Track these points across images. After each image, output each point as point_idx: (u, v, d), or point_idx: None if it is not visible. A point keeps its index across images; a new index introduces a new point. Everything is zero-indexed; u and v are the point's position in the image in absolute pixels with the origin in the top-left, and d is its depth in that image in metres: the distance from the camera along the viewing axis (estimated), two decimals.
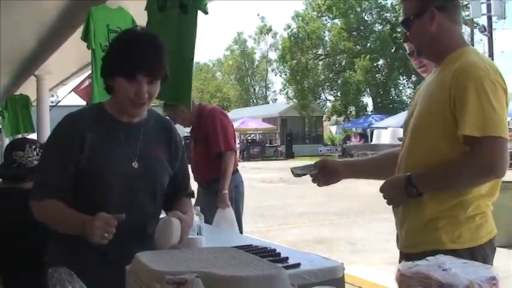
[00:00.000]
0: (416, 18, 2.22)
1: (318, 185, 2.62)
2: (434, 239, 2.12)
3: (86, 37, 4.50)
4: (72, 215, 2.03)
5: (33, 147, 3.11)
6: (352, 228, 9.78)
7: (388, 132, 27.07)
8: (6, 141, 12.50)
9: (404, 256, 2.25)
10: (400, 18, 2.38)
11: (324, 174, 2.59)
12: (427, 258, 1.54)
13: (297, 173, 2.56)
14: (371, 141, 33.06)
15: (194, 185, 4.81)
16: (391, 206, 2.32)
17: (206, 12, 3.33)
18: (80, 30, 5.53)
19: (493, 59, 26.03)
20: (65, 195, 2.08)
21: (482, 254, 2.07)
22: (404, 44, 2.85)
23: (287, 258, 2.51)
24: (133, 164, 2.14)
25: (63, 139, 2.13)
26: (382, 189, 2.24)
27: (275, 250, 2.64)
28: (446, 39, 2.21)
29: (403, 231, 2.28)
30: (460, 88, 2.03)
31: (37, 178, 2.21)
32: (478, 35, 29.25)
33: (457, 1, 2.31)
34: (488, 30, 27.18)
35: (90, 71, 9.65)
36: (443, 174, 2.12)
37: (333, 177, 2.60)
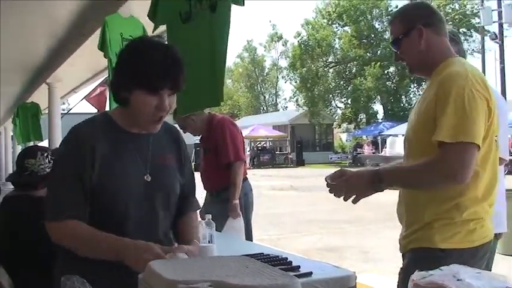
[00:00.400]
0: (405, 37, 2.34)
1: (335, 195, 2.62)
2: (427, 238, 2.21)
3: (102, 46, 4.54)
4: (106, 240, 1.92)
5: (45, 154, 3.12)
6: (364, 236, 9.73)
7: (402, 140, 26.87)
8: (19, 148, 12.59)
9: (403, 257, 2.37)
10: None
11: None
12: (441, 268, 1.53)
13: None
14: (382, 148, 32.95)
15: (203, 193, 4.85)
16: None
17: (243, 4, 3.18)
18: (91, 39, 5.58)
19: (504, 67, 25.97)
20: (85, 213, 1.98)
21: (472, 256, 2.12)
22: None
23: (299, 266, 2.50)
24: (145, 177, 2.07)
25: (74, 154, 2.01)
26: (347, 180, 2.24)
27: (286, 258, 2.62)
28: (434, 53, 2.31)
29: (403, 235, 2.36)
30: (441, 98, 2.12)
31: (52, 197, 2.04)
32: (488, 42, 29.12)
33: (440, 15, 2.40)
34: (499, 38, 27.02)
35: (101, 79, 9.76)
36: (409, 174, 2.21)
37: None
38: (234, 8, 3.14)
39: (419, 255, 2.23)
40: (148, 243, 1.84)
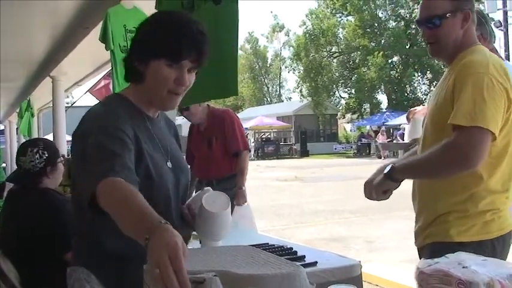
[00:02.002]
0: (451, 16, 2.23)
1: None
2: (442, 232, 2.19)
3: (104, 38, 4.53)
4: (145, 211, 1.46)
5: (35, 150, 3.07)
6: (369, 226, 9.73)
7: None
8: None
9: (419, 252, 2.33)
10: (415, 15, 2.43)
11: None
12: (446, 255, 1.53)
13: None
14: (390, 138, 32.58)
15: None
16: (410, 204, 2.36)
17: None
18: (94, 31, 5.57)
19: (509, 54, 25.83)
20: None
21: (491, 248, 2.10)
22: None
23: (304, 256, 2.50)
24: (167, 163, 1.96)
25: (117, 131, 1.75)
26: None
27: (291, 248, 2.63)
28: (466, 40, 2.26)
29: (417, 227, 2.34)
30: (459, 85, 2.10)
31: (98, 166, 1.62)
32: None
33: None
34: (504, 25, 26.89)
35: (105, 72, 9.76)
36: (423, 162, 2.18)
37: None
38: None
39: (437, 250, 2.18)
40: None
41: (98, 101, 2.09)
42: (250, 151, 5.37)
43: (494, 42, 3.05)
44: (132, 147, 1.75)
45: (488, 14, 27.62)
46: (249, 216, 4.82)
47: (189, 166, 2.26)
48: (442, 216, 2.19)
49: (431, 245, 2.24)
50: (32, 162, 3.04)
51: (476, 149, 2.00)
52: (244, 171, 4.99)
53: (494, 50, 2.93)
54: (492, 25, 3.09)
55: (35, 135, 11.94)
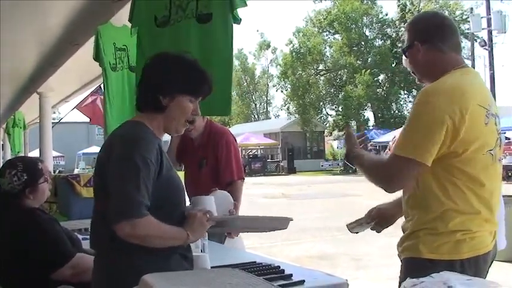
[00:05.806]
0: (409, 49, 2.42)
1: (377, 231, 2.80)
2: (413, 247, 2.24)
3: (97, 56, 4.54)
4: (176, 228, 2.16)
5: (13, 172, 2.99)
6: (356, 243, 9.71)
7: None
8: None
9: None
10: (401, 33, 2.60)
11: (382, 220, 2.73)
12: (432, 275, 1.55)
13: (356, 231, 2.76)
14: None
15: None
16: (397, 222, 2.42)
17: (238, 21, 3.16)
18: (83, 48, 5.59)
19: (493, 73, 26.16)
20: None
21: (461, 269, 2.10)
22: None
23: (291, 275, 2.51)
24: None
25: (151, 158, 2.11)
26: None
27: (279, 267, 2.64)
28: (433, 67, 2.35)
29: (398, 242, 2.37)
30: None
31: (131, 196, 2.04)
32: (478, 49, 29.33)
33: (445, 31, 2.38)
34: (488, 44, 27.24)
35: (93, 89, 9.76)
36: (367, 164, 2.39)
37: (390, 221, 2.73)
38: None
39: (409, 265, 2.25)
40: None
41: (129, 125, 2.30)
42: (244, 179, 4.59)
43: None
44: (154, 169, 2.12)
45: (473, 33, 28.02)
46: (240, 248, 4.47)
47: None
48: (415, 232, 2.25)
49: (404, 259, 2.29)
50: (11, 184, 2.98)
51: (398, 177, 2.19)
52: (239, 202, 4.22)
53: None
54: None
55: (23, 150, 11.89)
